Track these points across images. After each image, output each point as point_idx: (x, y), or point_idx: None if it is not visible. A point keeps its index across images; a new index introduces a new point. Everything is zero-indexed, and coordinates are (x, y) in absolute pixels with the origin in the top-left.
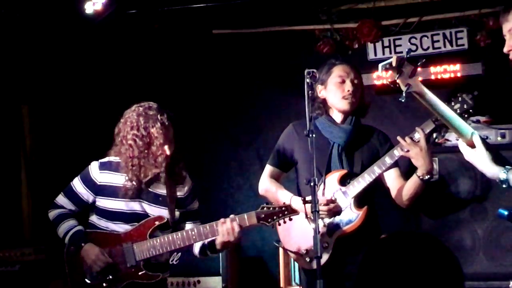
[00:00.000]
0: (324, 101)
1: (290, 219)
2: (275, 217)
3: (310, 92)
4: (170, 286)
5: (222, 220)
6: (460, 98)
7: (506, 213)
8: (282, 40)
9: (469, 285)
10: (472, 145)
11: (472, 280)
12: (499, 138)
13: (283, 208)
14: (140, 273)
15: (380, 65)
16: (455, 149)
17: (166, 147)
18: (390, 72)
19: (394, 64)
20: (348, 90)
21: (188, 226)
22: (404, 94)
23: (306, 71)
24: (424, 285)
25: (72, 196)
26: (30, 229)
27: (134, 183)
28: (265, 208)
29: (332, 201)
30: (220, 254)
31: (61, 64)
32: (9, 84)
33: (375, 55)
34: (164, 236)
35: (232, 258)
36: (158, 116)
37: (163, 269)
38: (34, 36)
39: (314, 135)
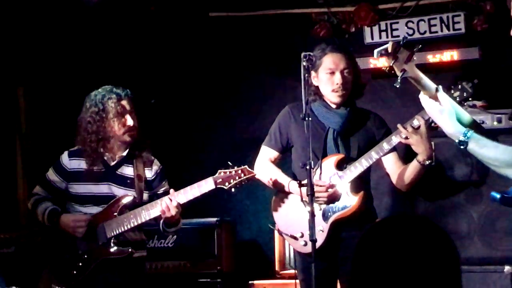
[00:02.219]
0: (317, 88)
1: (248, 181)
2: (231, 180)
3: (306, 75)
4: (165, 269)
5: (162, 198)
6: (460, 86)
7: (498, 196)
8: (278, 23)
9: (464, 269)
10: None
11: (467, 265)
12: (495, 123)
13: (240, 171)
14: (111, 250)
15: (375, 51)
16: None
17: (123, 119)
18: (384, 57)
19: (390, 50)
20: (337, 84)
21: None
22: (399, 80)
23: (302, 54)
24: (420, 268)
25: (46, 185)
26: (26, 213)
27: (98, 164)
28: (222, 173)
29: (332, 186)
30: (216, 238)
31: (57, 46)
32: (4, 65)
33: (372, 39)
34: (130, 212)
35: (227, 241)
36: (113, 89)
37: (138, 247)
38: (30, 17)
39: (310, 119)
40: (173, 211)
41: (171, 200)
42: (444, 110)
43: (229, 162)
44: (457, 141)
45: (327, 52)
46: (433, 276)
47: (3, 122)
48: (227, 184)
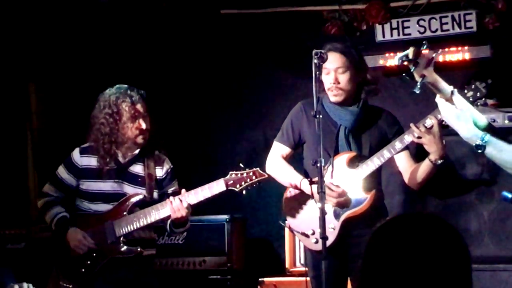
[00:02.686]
0: None
1: (259, 183)
2: (243, 182)
3: (317, 72)
4: (175, 266)
5: (170, 198)
6: (473, 86)
7: (509, 195)
8: (290, 21)
9: (474, 268)
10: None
11: (477, 263)
12: (506, 121)
13: (251, 173)
14: (120, 248)
15: (396, 57)
16: None
17: (136, 122)
18: (406, 63)
19: (411, 56)
20: (330, 83)
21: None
22: (418, 85)
23: (314, 51)
24: (431, 267)
25: (57, 183)
26: (36, 209)
27: (107, 162)
28: (233, 175)
29: (344, 193)
30: (226, 235)
31: (68, 43)
32: (16, 61)
33: (383, 36)
34: (140, 211)
35: (238, 238)
36: (128, 92)
37: (147, 245)
38: (41, 14)
39: (321, 116)
40: (183, 212)
41: (181, 200)
42: (461, 115)
43: (240, 164)
44: (474, 145)
45: (328, 52)
46: (444, 274)
47: (14, 118)
48: (238, 186)
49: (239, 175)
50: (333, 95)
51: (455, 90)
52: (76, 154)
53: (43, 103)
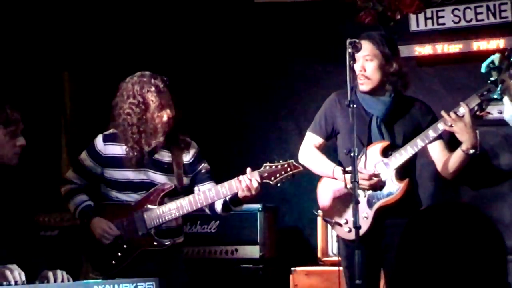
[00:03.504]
0: None
1: (293, 176)
2: (278, 175)
3: (351, 62)
4: (207, 255)
5: (239, 177)
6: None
7: None
8: (323, 10)
9: (509, 260)
10: None
11: (510, 254)
12: None
13: (286, 165)
14: (151, 241)
15: (483, 66)
16: (496, 122)
17: (163, 111)
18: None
19: (497, 63)
20: (359, 70)
21: (203, 187)
22: (499, 91)
23: (348, 41)
24: (466, 257)
25: (80, 170)
26: None
27: (136, 152)
28: (267, 167)
29: (376, 175)
30: (258, 224)
31: (102, 30)
32: (50, 50)
33: (417, 26)
34: (172, 202)
35: (270, 227)
36: (152, 81)
37: (175, 234)
38: (75, 2)
39: (355, 106)
40: (253, 191)
41: (250, 180)
42: None
43: (275, 157)
44: None
45: (360, 45)
46: (479, 264)
47: (48, 106)
48: (272, 179)
49: (273, 167)
50: (360, 84)
51: None
52: (99, 142)
53: (76, 91)
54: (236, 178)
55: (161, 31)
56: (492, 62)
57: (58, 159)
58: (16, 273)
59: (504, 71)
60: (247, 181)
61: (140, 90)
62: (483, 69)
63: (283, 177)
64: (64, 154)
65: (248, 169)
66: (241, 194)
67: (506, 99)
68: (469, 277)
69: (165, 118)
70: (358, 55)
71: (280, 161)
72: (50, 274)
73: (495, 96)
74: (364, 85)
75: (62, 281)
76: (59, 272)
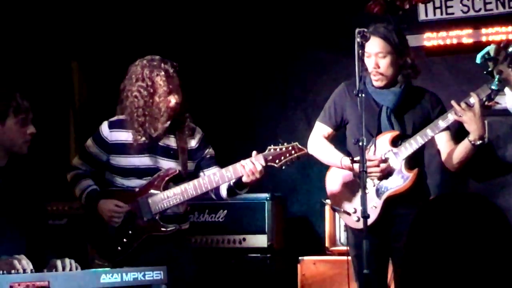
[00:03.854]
0: None
1: (298, 158)
2: (282, 158)
3: (360, 51)
4: (215, 244)
5: (242, 162)
6: None
7: None
8: (332, 0)
9: None
10: None
11: None
12: None
13: (290, 148)
14: (157, 226)
15: (478, 57)
16: (503, 112)
17: (171, 96)
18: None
19: (492, 54)
20: (372, 67)
21: (209, 172)
22: (496, 82)
23: (356, 30)
24: (475, 245)
25: (86, 157)
26: None
27: (143, 138)
28: (271, 150)
29: (384, 161)
30: (266, 213)
31: (111, 20)
32: (59, 39)
33: (426, 16)
34: (176, 187)
35: (278, 217)
36: (162, 65)
37: (181, 221)
38: None
39: (363, 95)
40: (257, 175)
41: (254, 164)
42: None
43: (279, 140)
44: None
45: (368, 37)
46: (488, 253)
47: (57, 96)
48: (277, 161)
49: (278, 150)
50: (375, 80)
51: None
52: (105, 128)
53: (85, 81)
54: (240, 162)
55: (169, 19)
56: (488, 53)
57: (67, 148)
58: (24, 262)
59: (502, 61)
60: (251, 165)
61: (150, 74)
62: (478, 60)
63: (287, 159)
64: (72, 143)
65: (254, 153)
66: (245, 178)
67: (507, 89)
68: (478, 265)
69: (172, 103)
70: (370, 52)
71: (285, 144)
72: (59, 262)
73: (493, 87)
74: (378, 82)
75: (71, 269)
76: (67, 260)
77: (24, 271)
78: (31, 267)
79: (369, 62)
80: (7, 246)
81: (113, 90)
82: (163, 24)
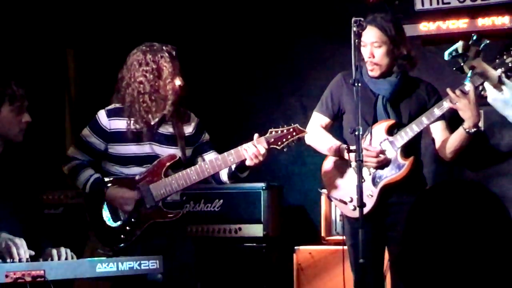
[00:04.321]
0: None
1: (299, 140)
2: (284, 140)
3: (356, 41)
4: (211, 233)
5: (245, 146)
6: None
7: None
8: None
9: None
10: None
11: None
12: None
13: (291, 130)
14: (160, 213)
15: (446, 54)
16: None
17: (176, 78)
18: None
19: (460, 50)
20: (367, 56)
21: (208, 156)
22: (468, 77)
23: (353, 19)
24: (473, 233)
25: (83, 146)
26: None
27: (141, 125)
28: (273, 132)
29: (382, 152)
30: (262, 202)
31: (106, 8)
32: (54, 27)
33: (422, 5)
34: (178, 173)
35: (274, 206)
36: (163, 47)
37: (180, 207)
38: None
39: (360, 84)
40: (260, 157)
41: (256, 146)
42: (509, 100)
43: (280, 122)
44: None
45: (364, 26)
46: (486, 240)
47: (52, 84)
48: (279, 143)
49: (279, 132)
50: (370, 70)
51: (503, 75)
52: (103, 117)
53: (81, 69)
54: (242, 145)
55: (166, 7)
56: (456, 50)
57: (62, 136)
58: (21, 251)
59: (474, 57)
60: (254, 149)
61: (153, 57)
62: (446, 57)
63: (289, 141)
64: (68, 132)
65: (256, 135)
66: (249, 162)
67: (487, 83)
68: (477, 253)
69: (177, 86)
70: (366, 42)
71: (285, 126)
72: (54, 251)
73: (465, 82)
74: (373, 71)
75: (66, 258)
76: (63, 249)
77: (20, 260)
78: (27, 255)
79: (365, 52)
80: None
81: (108, 77)
82: (160, 12)
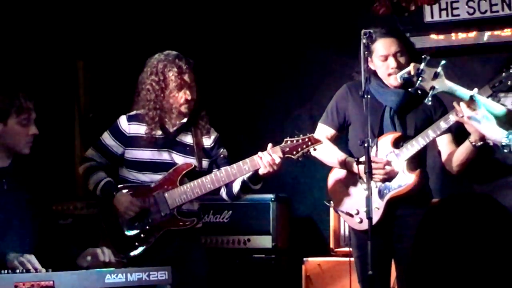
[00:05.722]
0: (375, 72)
1: (315, 149)
2: (299, 149)
3: (366, 52)
4: (220, 244)
5: (260, 154)
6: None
7: None
8: (338, 0)
9: None
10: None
11: None
12: None
13: (306, 139)
14: (175, 221)
15: (398, 76)
16: None
17: (181, 93)
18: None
19: (412, 72)
20: (392, 68)
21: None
22: (429, 97)
23: (362, 31)
24: (484, 246)
25: (102, 149)
26: (83, 185)
27: (159, 132)
28: (288, 142)
29: (388, 163)
30: (271, 214)
31: (116, 19)
32: (65, 39)
33: (432, 17)
34: (193, 181)
35: (282, 218)
36: (176, 60)
37: (196, 218)
38: None
39: (369, 96)
40: (275, 166)
41: (271, 155)
42: (481, 119)
43: (295, 131)
44: (500, 146)
45: (377, 38)
46: (497, 254)
47: (62, 95)
48: (294, 153)
49: (294, 141)
50: (394, 79)
51: (475, 95)
52: (123, 121)
53: (91, 81)
54: (257, 154)
55: (177, 19)
56: (408, 72)
57: (72, 148)
58: (36, 265)
59: (433, 78)
60: (268, 157)
61: (163, 68)
62: (398, 79)
63: (304, 151)
64: (77, 143)
65: (270, 145)
66: (263, 170)
67: (461, 104)
68: (487, 266)
69: (182, 100)
70: (387, 53)
71: (301, 135)
72: (99, 250)
73: (426, 102)
74: (396, 80)
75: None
76: (105, 249)
77: (28, 270)
78: (40, 267)
79: (387, 64)
80: (14, 245)
81: (119, 89)
82: (170, 23)
